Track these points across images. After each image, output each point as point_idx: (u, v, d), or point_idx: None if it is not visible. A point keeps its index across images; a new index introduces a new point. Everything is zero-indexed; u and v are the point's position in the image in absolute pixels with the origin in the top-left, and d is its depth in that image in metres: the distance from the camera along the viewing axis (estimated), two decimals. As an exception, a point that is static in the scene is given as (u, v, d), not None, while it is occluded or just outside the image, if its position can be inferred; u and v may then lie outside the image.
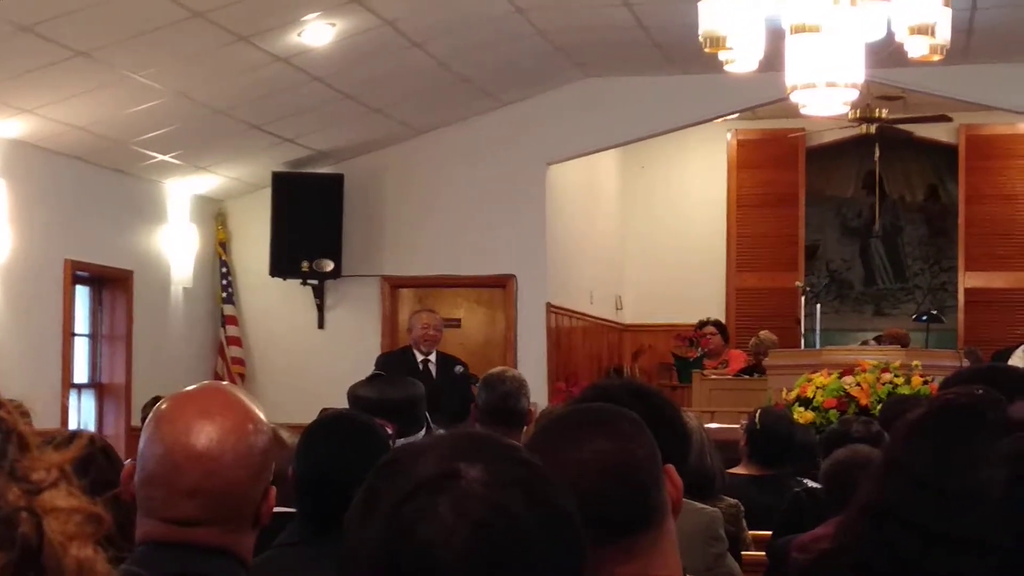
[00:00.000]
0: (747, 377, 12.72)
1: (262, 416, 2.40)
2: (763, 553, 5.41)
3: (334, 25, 9.78)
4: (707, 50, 7.83)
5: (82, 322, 11.34)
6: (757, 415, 6.57)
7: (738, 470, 6.35)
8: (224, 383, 2.75)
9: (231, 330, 13.01)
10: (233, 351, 12.96)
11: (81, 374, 11.30)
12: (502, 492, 1.36)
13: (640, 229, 16.05)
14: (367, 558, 1.36)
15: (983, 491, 1.91)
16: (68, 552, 0.98)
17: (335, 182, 12.81)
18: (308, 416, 3.98)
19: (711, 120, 13.85)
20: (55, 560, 0.97)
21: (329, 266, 12.66)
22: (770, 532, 5.63)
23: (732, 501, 5.35)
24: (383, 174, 13.10)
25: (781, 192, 15.92)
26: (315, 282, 12.97)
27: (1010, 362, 10.68)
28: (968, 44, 11.13)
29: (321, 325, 13.18)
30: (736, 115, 14.42)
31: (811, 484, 6.05)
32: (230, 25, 9.19)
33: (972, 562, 1.92)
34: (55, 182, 10.62)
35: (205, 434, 2.29)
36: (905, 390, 9.19)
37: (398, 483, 1.38)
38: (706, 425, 6.49)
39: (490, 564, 1.32)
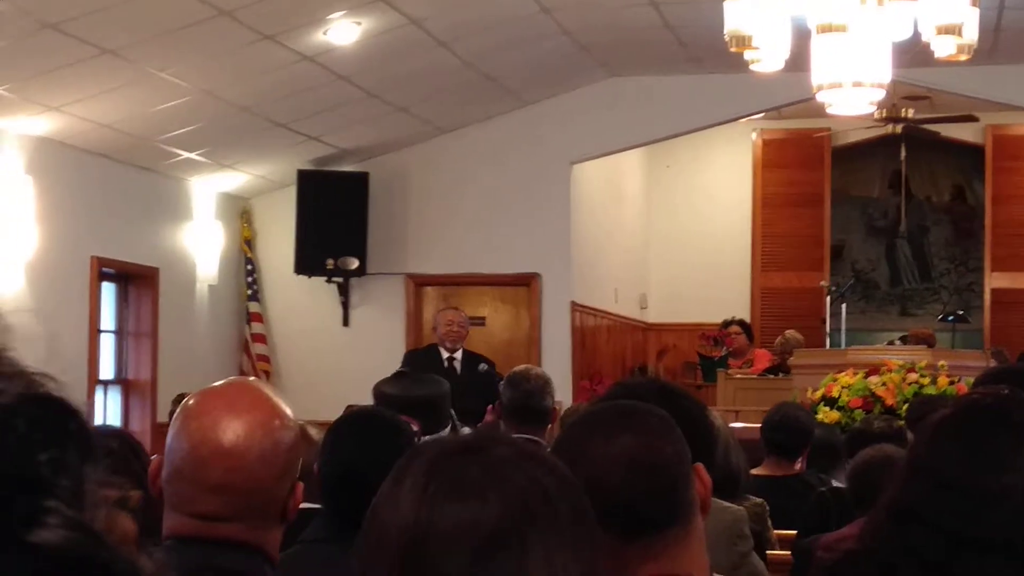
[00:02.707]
0: (772, 376, 12.70)
1: (289, 412, 2.41)
2: (788, 552, 5.40)
3: (360, 24, 9.80)
4: (733, 49, 7.82)
5: (108, 319, 11.38)
6: (771, 411, 6.58)
7: (759, 471, 6.33)
8: (252, 379, 2.76)
9: (256, 327, 13.04)
10: (258, 348, 12.99)
11: (107, 371, 11.34)
12: (529, 462, 1.42)
13: (665, 228, 16.03)
14: (397, 526, 1.38)
15: (1009, 493, 1.90)
16: None
17: (360, 180, 12.84)
18: (333, 413, 3.99)
19: (736, 120, 13.83)
20: None
21: (354, 264, 12.69)
22: (793, 532, 5.62)
23: (757, 500, 5.34)
24: (408, 172, 13.12)
25: (806, 192, 15.89)
26: (340, 280, 12.99)
27: (1036, 363, 10.64)
28: (995, 44, 11.09)
29: (346, 323, 13.21)
30: (761, 115, 14.39)
31: (835, 483, 6.04)
32: (256, 24, 9.22)
33: (998, 564, 1.92)
34: (81, 179, 10.66)
35: (232, 430, 2.30)
36: (931, 390, 9.16)
37: (427, 456, 1.42)
38: (731, 424, 6.49)
39: (521, 525, 1.35)
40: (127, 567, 0.94)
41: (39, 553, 0.89)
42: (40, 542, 0.90)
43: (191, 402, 2.39)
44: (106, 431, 3.31)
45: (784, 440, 6.38)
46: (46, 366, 1.00)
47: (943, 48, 7.74)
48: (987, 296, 15.65)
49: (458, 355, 10.17)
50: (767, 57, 7.93)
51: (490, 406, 6.16)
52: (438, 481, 1.39)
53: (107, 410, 11.27)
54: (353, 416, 3.70)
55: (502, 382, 6.04)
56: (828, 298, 13.12)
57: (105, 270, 11.08)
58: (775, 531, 5.67)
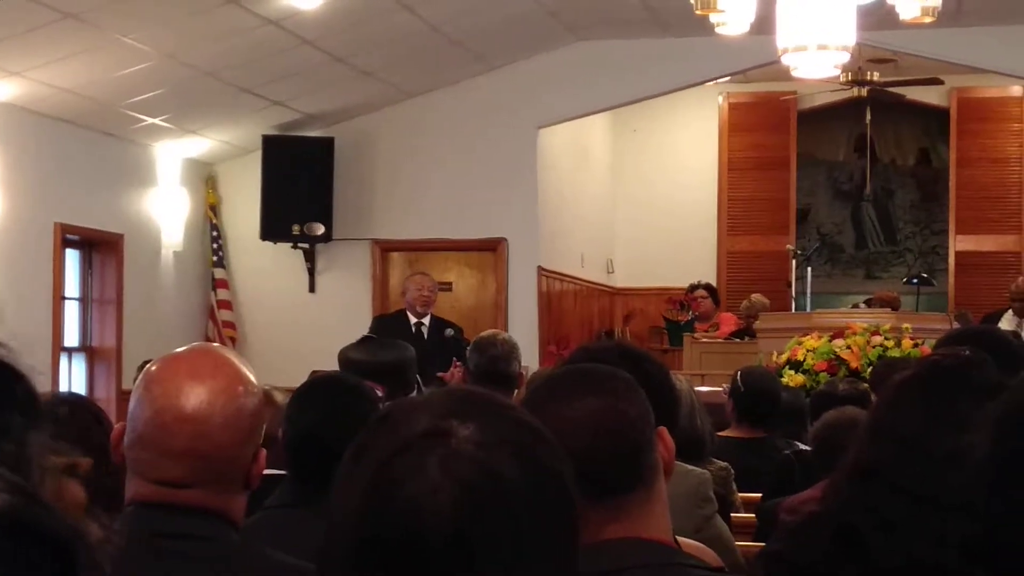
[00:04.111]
0: (737, 340, 12.73)
1: (252, 377, 2.40)
2: (752, 515, 5.43)
3: (324, -13, 9.74)
4: (698, 12, 7.82)
5: (72, 286, 11.32)
6: (739, 376, 6.52)
7: (727, 433, 6.34)
8: (215, 344, 2.74)
9: (222, 294, 13.00)
10: (224, 315, 12.96)
11: (71, 338, 11.29)
12: (491, 452, 1.33)
13: (631, 192, 16.03)
14: (352, 513, 1.35)
15: (969, 454, 1.91)
16: None
17: (326, 145, 12.78)
18: (299, 379, 3.98)
19: (702, 83, 13.83)
20: None
21: (320, 230, 12.65)
22: (759, 495, 5.64)
23: (722, 464, 5.36)
24: (374, 138, 13.08)
25: (772, 156, 15.91)
26: (306, 246, 12.96)
27: (999, 325, 10.72)
28: (960, 7, 11.11)
29: (312, 289, 13.18)
30: (727, 78, 14.39)
31: (800, 446, 6.06)
32: (220, -13, 9.15)
33: (957, 525, 1.93)
34: (45, 145, 10.59)
35: (195, 396, 2.29)
36: (895, 353, 9.20)
37: (388, 439, 1.35)
38: (696, 388, 6.49)
39: (475, 524, 1.29)
40: (70, 533, 0.93)
41: None
42: None
43: (153, 368, 2.37)
44: (63, 397, 3.28)
45: (755, 402, 6.38)
46: (9, 333, 1.00)
47: (908, 10, 7.76)
48: (951, 259, 15.73)
49: (426, 320, 10.17)
50: (733, 20, 7.93)
51: (450, 370, 6.14)
52: (391, 476, 1.32)
53: (72, 378, 11.22)
54: (317, 381, 3.69)
55: (469, 347, 6.04)
56: (794, 261, 13.16)
57: (69, 237, 11.02)
58: (745, 493, 5.69)
